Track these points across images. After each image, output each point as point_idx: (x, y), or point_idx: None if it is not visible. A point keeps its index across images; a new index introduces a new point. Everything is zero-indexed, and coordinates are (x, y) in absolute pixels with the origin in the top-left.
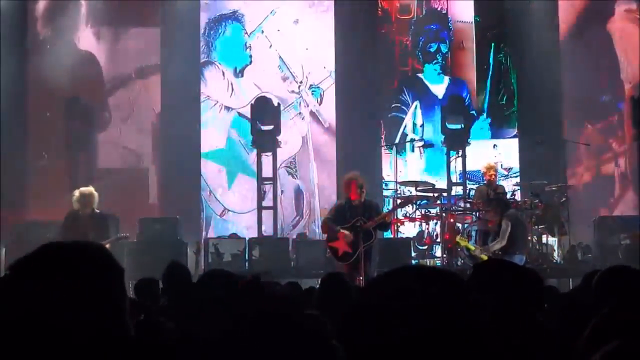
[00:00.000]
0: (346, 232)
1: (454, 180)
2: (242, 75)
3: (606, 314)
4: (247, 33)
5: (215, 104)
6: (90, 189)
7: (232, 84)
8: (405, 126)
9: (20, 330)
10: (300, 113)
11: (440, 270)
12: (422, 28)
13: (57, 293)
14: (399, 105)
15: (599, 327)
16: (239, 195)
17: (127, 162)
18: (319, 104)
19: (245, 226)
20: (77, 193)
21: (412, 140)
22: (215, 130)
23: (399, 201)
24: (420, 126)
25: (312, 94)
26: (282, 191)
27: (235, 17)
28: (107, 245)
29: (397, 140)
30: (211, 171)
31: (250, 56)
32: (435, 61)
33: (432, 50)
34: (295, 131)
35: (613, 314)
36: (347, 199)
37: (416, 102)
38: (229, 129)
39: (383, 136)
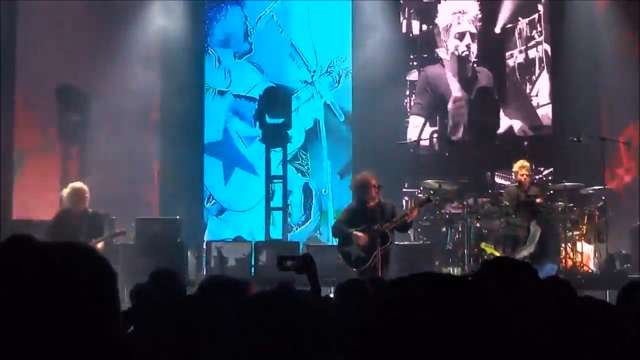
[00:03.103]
0: (360, 234)
1: (479, 180)
2: (240, 59)
3: None
4: (247, 18)
5: (208, 90)
6: (82, 184)
7: (229, 71)
8: (428, 120)
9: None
10: (309, 99)
11: (457, 278)
12: (448, 13)
13: (41, 300)
14: (420, 97)
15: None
16: (236, 193)
17: (123, 156)
18: (337, 85)
19: (247, 228)
20: (67, 189)
21: (435, 136)
22: (211, 121)
23: (417, 201)
24: (445, 121)
25: (329, 77)
26: (290, 191)
27: (239, 2)
28: (101, 244)
29: (418, 136)
30: (206, 165)
31: (251, 43)
32: (464, 51)
33: (459, 38)
34: (304, 123)
35: None
36: (360, 200)
37: (439, 94)
38: (225, 119)
39: (403, 131)
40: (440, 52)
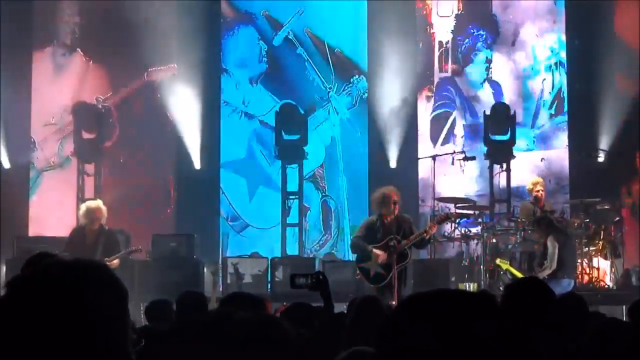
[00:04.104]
0: (379, 251)
1: (497, 196)
2: (256, 83)
3: None
4: (262, 37)
5: (234, 110)
6: (98, 202)
7: (248, 91)
8: (445, 136)
9: (12, 353)
10: (327, 119)
11: (475, 295)
12: (464, 28)
13: (52, 315)
14: (437, 113)
15: None
16: (260, 210)
17: (139, 173)
18: (353, 105)
19: (265, 244)
20: (83, 207)
21: (452, 152)
22: (235, 139)
23: (436, 218)
24: (461, 137)
25: (347, 97)
26: (308, 207)
27: (253, 21)
28: (117, 261)
29: (434, 153)
30: (230, 183)
31: (267, 62)
32: (481, 67)
33: (477, 56)
34: (322, 140)
35: None
36: (378, 215)
37: (456, 111)
38: (249, 138)
39: (419, 147)
40: (456, 67)
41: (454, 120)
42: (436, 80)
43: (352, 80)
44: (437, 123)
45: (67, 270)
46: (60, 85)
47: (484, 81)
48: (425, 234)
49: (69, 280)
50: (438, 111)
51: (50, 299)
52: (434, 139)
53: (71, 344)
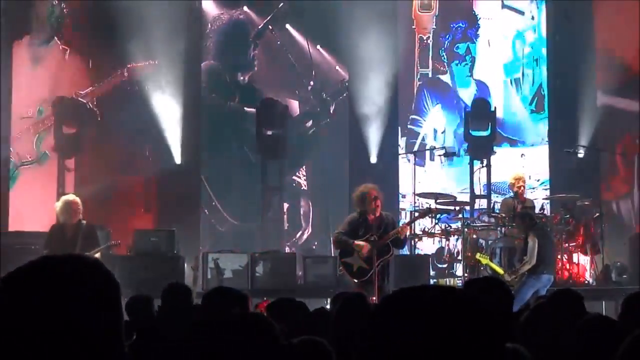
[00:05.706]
0: (362, 244)
1: (477, 192)
2: (245, 80)
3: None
4: (243, 33)
5: (216, 105)
6: (74, 196)
7: (234, 87)
8: (425, 133)
9: (12, 348)
10: (309, 114)
11: (460, 291)
12: (446, 25)
13: (51, 311)
14: (418, 109)
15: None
16: (241, 205)
17: (120, 168)
18: (332, 105)
19: (246, 239)
20: (60, 202)
21: (432, 148)
22: (216, 134)
23: (416, 214)
24: (442, 133)
25: (325, 95)
26: (287, 204)
27: (238, 19)
28: (97, 255)
29: (415, 148)
30: (211, 178)
31: (254, 59)
32: (465, 63)
33: (460, 51)
34: (305, 136)
35: None
36: (361, 212)
37: (437, 107)
38: (231, 133)
39: (400, 143)
40: (438, 64)
41: (436, 116)
42: (417, 77)
43: (335, 76)
44: (418, 120)
45: (63, 265)
46: (38, 77)
47: (465, 78)
48: (400, 233)
49: (66, 274)
50: (419, 108)
51: (48, 294)
52: (415, 135)
53: (70, 339)
